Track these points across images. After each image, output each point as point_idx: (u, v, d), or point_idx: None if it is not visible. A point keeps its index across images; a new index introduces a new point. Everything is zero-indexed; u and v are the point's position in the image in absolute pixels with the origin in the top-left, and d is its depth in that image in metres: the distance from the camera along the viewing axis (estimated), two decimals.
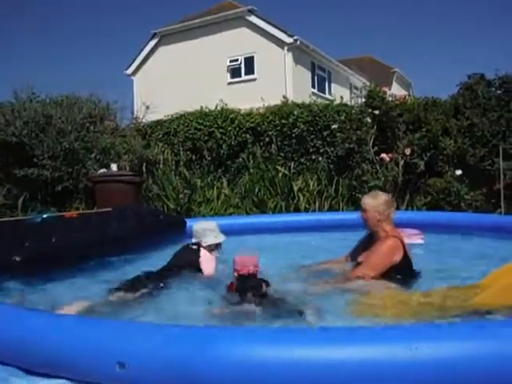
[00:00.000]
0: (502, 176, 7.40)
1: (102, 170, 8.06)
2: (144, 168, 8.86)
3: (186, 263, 3.46)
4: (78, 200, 8.60)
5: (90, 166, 8.45)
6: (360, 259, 3.18)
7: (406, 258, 3.00)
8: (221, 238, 3.67)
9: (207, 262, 3.45)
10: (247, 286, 2.73)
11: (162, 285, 3.11)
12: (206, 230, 3.62)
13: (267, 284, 2.81)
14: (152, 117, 10.29)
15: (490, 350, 1.58)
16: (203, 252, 3.54)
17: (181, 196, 8.15)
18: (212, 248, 3.63)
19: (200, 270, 3.41)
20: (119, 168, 8.20)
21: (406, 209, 7.61)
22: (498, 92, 8.04)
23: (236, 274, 2.84)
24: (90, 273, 3.80)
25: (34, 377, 1.86)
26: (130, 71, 22.99)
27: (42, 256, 3.60)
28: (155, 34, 22.31)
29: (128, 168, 8.52)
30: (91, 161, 8.52)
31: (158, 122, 10.26)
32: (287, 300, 2.68)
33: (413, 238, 4.78)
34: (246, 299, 2.62)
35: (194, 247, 3.59)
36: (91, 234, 4.43)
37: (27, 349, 1.87)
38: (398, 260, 2.96)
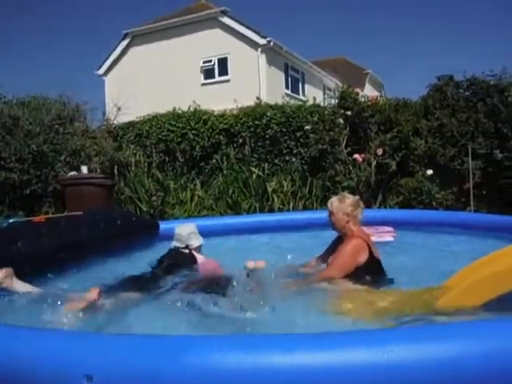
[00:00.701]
0: (471, 175, 7.56)
1: (72, 173, 7.88)
2: (116, 170, 8.72)
3: (185, 267, 3.45)
4: (47, 204, 8.40)
5: (60, 168, 8.27)
6: (327, 261, 3.20)
7: (372, 259, 3.01)
8: (201, 240, 3.68)
9: (209, 264, 3.48)
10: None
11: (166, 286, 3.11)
12: (190, 233, 3.60)
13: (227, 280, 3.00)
14: (124, 118, 10.15)
15: (446, 352, 1.58)
16: (198, 255, 3.54)
17: (154, 198, 8.04)
18: (198, 250, 3.63)
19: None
20: (90, 170, 8.05)
21: (379, 208, 7.70)
22: (467, 93, 8.22)
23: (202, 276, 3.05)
24: (59, 277, 3.69)
25: None
26: (101, 71, 22.62)
27: (6, 262, 3.47)
28: (127, 34, 22.02)
29: (99, 170, 8.38)
30: (61, 163, 8.34)
31: (130, 124, 10.13)
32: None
33: (384, 235, 4.84)
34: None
35: (186, 251, 3.54)
36: (61, 239, 4.31)
37: None
38: (362, 261, 2.97)
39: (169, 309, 2.77)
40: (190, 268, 3.44)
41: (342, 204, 3.18)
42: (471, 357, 1.56)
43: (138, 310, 2.76)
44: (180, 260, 3.50)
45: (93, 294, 2.71)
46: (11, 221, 4.49)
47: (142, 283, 3.13)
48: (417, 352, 1.56)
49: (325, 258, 3.35)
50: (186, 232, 3.60)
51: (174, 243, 3.62)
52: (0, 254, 3.53)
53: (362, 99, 8.46)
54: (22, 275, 3.36)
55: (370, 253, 3.01)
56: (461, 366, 1.54)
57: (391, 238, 4.83)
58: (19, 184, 8.16)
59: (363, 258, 2.98)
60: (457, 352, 1.57)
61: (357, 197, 3.32)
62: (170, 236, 3.79)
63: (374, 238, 3.47)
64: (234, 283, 2.96)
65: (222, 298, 2.74)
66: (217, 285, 2.96)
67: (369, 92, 19.46)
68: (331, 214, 3.22)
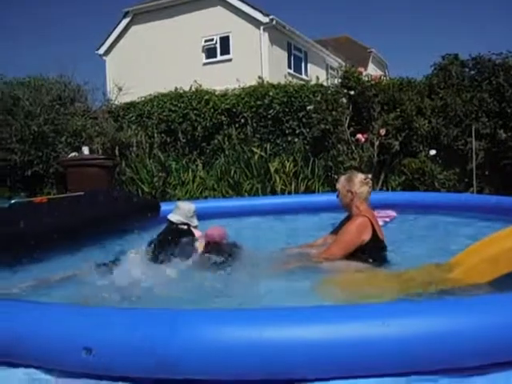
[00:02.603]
0: (474, 156, 7.51)
1: (74, 154, 7.88)
2: (117, 151, 8.69)
3: (185, 242, 3.51)
4: (48, 185, 8.41)
5: (61, 149, 8.27)
6: (332, 240, 3.20)
7: (376, 238, 3.01)
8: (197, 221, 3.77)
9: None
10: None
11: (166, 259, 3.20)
12: (193, 211, 3.68)
13: (236, 246, 3.18)
14: (125, 98, 10.07)
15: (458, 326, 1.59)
16: (196, 231, 3.61)
17: (155, 179, 8.04)
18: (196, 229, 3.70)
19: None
20: (91, 151, 8.03)
21: (381, 189, 7.68)
22: (472, 72, 8.12)
23: (205, 242, 3.25)
24: (62, 257, 3.72)
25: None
26: (101, 51, 22.37)
27: (9, 242, 3.49)
28: (127, 13, 21.70)
29: (100, 151, 8.36)
30: (62, 144, 8.33)
31: (131, 104, 10.06)
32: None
33: (388, 214, 4.86)
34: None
35: (185, 227, 3.59)
36: (62, 219, 4.32)
37: None
38: (366, 239, 2.96)
39: (167, 282, 2.83)
40: (189, 243, 3.49)
41: (349, 182, 3.19)
42: (482, 330, 1.58)
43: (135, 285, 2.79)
44: (180, 234, 3.55)
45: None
46: (13, 201, 4.50)
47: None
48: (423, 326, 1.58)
49: (330, 237, 3.36)
50: (190, 209, 3.68)
51: (175, 216, 3.65)
52: (3, 233, 3.55)
53: (366, 78, 8.36)
54: (24, 254, 3.40)
55: (374, 232, 2.99)
56: (471, 340, 1.57)
57: (394, 214, 4.84)
58: (21, 165, 8.16)
59: (366, 236, 2.96)
60: (468, 326, 1.59)
61: (367, 175, 3.30)
62: None
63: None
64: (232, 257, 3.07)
65: (221, 271, 2.87)
66: (216, 260, 3.07)
67: (372, 71, 19.25)
68: (338, 191, 3.26)
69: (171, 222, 3.66)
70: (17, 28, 53.30)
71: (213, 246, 3.21)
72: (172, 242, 3.48)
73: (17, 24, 54.46)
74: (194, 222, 3.68)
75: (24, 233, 3.71)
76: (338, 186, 3.25)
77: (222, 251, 3.11)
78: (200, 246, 3.44)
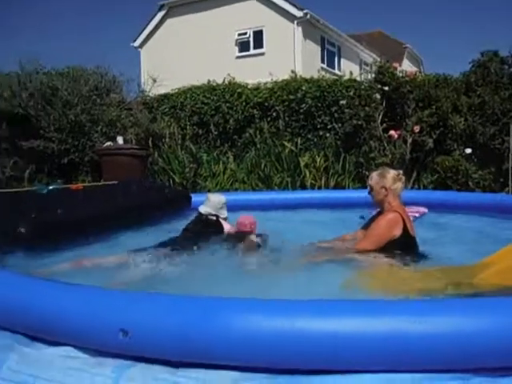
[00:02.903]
0: (511, 155, 7.31)
1: (108, 143, 8.05)
2: (150, 142, 8.83)
3: (212, 232, 3.65)
4: (83, 173, 8.63)
5: (96, 138, 8.45)
6: (363, 234, 3.20)
7: (407, 234, 2.99)
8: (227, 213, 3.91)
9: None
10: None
11: (195, 248, 3.31)
12: (223, 203, 3.83)
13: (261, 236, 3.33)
14: (159, 90, 10.20)
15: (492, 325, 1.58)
16: (225, 223, 3.76)
17: (186, 170, 8.15)
18: (225, 220, 3.86)
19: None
20: (125, 141, 8.19)
21: (413, 187, 7.56)
22: (511, 70, 7.88)
23: (236, 230, 3.51)
24: (97, 244, 3.83)
25: (39, 344, 1.88)
26: (137, 43, 22.71)
27: (48, 227, 3.61)
28: (163, 6, 21.94)
29: (134, 141, 8.52)
30: (97, 133, 8.51)
31: (165, 96, 10.18)
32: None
33: (418, 210, 4.82)
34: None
35: (214, 218, 3.69)
36: (97, 207, 4.45)
37: (32, 316, 1.89)
38: (397, 234, 2.95)
39: (196, 269, 2.90)
40: (218, 233, 3.64)
41: (382, 178, 3.16)
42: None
43: (169, 271, 2.88)
44: (209, 225, 3.69)
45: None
46: (51, 188, 4.65)
47: (172, 246, 3.28)
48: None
49: (361, 232, 3.36)
50: (220, 201, 3.81)
51: (205, 208, 3.76)
52: (41, 218, 3.68)
53: (400, 74, 8.22)
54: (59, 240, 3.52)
55: (405, 228, 2.98)
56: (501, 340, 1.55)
57: (426, 210, 4.81)
58: (58, 153, 8.40)
59: (397, 232, 2.95)
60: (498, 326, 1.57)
61: (399, 171, 3.28)
62: None
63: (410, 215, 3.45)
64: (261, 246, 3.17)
65: (249, 258, 2.95)
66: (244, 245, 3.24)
67: (407, 67, 18.88)
68: (370, 187, 3.22)
69: (200, 214, 3.77)
70: (55, 20, 54.59)
71: (243, 235, 3.33)
72: (200, 231, 3.58)
73: (57, 17, 55.76)
74: (223, 213, 3.81)
75: (62, 219, 3.84)
76: (371, 182, 3.21)
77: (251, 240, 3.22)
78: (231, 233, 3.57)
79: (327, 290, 2.32)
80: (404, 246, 2.98)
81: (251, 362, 1.63)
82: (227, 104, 9.41)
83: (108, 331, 1.72)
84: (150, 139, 8.88)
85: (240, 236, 3.40)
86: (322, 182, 7.93)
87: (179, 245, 3.33)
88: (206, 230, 3.64)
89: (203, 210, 3.80)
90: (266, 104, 9.19)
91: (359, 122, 8.02)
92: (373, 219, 3.30)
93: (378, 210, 3.30)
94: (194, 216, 3.92)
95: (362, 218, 3.82)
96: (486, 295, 2.33)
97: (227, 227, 3.74)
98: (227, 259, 3.24)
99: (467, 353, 1.55)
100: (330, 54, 21.83)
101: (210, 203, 3.81)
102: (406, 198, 4.51)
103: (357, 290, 2.44)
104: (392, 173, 3.21)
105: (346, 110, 8.24)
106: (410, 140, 7.60)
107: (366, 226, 3.35)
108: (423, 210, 5.05)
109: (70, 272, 2.88)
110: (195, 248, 3.31)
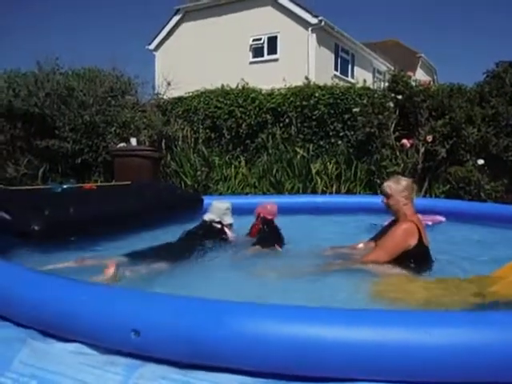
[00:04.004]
0: None
1: (122, 144, 8.12)
2: (163, 144, 8.90)
3: (216, 238, 3.68)
4: (96, 173, 8.71)
5: (110, 139, 8.53)
6: (377, 243, 3.19)
7: (421, 244, 2.98)
8: (232, 220, 3.94)
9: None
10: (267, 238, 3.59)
11: (200, 251, 3.36)
12: (226, 209, 3.86)
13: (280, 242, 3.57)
14: (173, 93, 10.28)
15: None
16: (228, 231, 3.78)
17: (198, 173, 8.19)
18: (229, 228, 3.85)
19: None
20: (139, 143, 8.25)
21: (424, 196, 7.53)
22: None
23: (257, 215, 3.78)
24: (106, 243, 3.87)
25: (51, 339, 1.91)
26: (152, 46, 22.90)
27: (60, 226, 3.66)
28: (178, 10, 22.11)
29: (147, 143, 8.57)
30: (111, 135, 8.59)
31: (179, 99, 10.25)
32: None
33: (435, 218, 4.79)
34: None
35: (218, 226, 3.71)
36: (109, 207, 4.49)
37: (45, 312, 1.92)
38: (412, 245, 2.94)
39: (199, 274, 2.91)
40: (219, 240, 3.67)
41: (399, 186, 3.15)
42: None
43: (169, 275, 2.89)
44: (211, 232, 3.71)
45: (110, 268, 2.74)
46: (65, 186, 4.70)
47: (171, 250, 3.29)
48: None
49: (374, 241, 3.34)
50: (223, 207, 3.84)
51: (209, 215, 3.80)
52: (54, 216, 3.72)
53: (414, 83, 8.20)
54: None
55: (420, 238, 2.97)
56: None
57: (443, 219, 4.78)
58: (71, 153, 8.49)
59: (412, 242, 2.94)
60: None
61: (411, 179, 3.30)
62: None
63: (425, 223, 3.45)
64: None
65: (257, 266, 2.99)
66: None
67: (421, 76, 18.79)
68: (387, 195, 3.19)
69: (204, 221, 3.82)
70: (72, 23, 55.27)
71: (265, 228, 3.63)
72: (203, 235, 3.60)
73: (74, 19, 56.46)
74: (227, 219, 3.83)
75: (75, 218, 3.89)
76: (390, 191, 3.17)
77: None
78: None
79: (339, 299, 2.33)
80: (418, 256, 2.98)
81: (260, 367, 1.63)
82: (240, 108, 9.45)
83: (120, 330, 1.74)
84: (163, 141, 8.94)
85: (263, 243, 3.50)
86: (334, 189, 7.92)
87: (183, 248, 3.35)
88: (208, 235, 3.67)
89: (206, 217, 3.86)
90: (279, 109, 9.21)
91: (372, 130, 8.01)
92: (386, 228, 3.29)
93: (393, 218, 3.29)
94: (198, 223, 3.93)
95: (373, 225, 3.82)
96: (499, 308, 2.32)
97: (231, 236, 3.78)
98: (237, 263, 3.24)
99: (475, 366, 1.54)
100: (344, 62, 21.82)
101: (213, 209, 3.86)
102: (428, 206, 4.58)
103: (369, 300, 2.44)
104: (408, 181, 3.22)
105: (359, 118, 8.23)
106: (422, 149, 7.58)
107: (379, 235, 3.34)
108: (440, 218, 5.02)
109: (71, 269, 2.91)
110: (200, 251, 3.33)
